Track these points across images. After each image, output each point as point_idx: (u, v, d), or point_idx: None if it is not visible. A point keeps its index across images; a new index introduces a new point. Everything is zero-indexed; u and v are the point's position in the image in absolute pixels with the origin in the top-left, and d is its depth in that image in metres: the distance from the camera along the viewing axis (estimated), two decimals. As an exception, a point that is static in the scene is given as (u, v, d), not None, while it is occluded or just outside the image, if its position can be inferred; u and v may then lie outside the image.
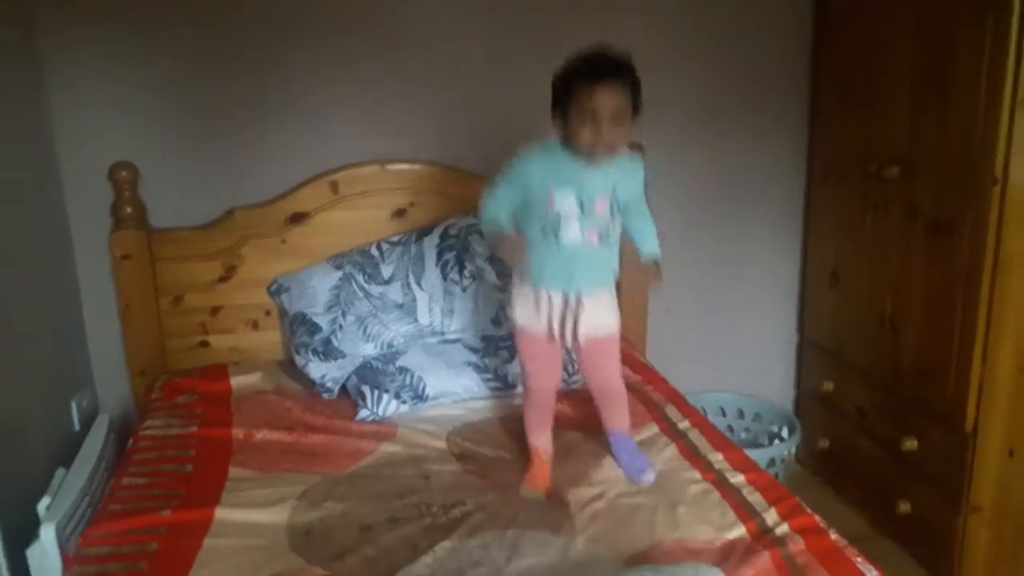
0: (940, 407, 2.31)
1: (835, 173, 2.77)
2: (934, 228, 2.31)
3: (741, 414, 3.02)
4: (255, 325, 2.53)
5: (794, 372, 3.13)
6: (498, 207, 1.74)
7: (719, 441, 2.01)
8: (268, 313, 2.53)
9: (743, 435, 3.00)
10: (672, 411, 2.18)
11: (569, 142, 1.66)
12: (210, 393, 2.26)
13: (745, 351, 3.08)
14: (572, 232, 1.68)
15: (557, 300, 1.75)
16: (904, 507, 2.44)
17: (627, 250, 1.85)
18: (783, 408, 3.03)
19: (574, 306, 1.75)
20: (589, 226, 1.69)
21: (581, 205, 1.67)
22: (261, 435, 2.04)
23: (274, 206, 2.49)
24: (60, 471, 1.92)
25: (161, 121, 2.42)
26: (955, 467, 2.26)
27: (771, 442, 2.89)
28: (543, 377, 1.86)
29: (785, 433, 2.87)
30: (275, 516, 1.68)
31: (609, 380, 1.88)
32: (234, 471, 1.87)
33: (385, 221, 2.56)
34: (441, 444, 2.02)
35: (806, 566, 1.49)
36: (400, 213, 2.57)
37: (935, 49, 2.26)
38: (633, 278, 2.61)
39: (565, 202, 1.67)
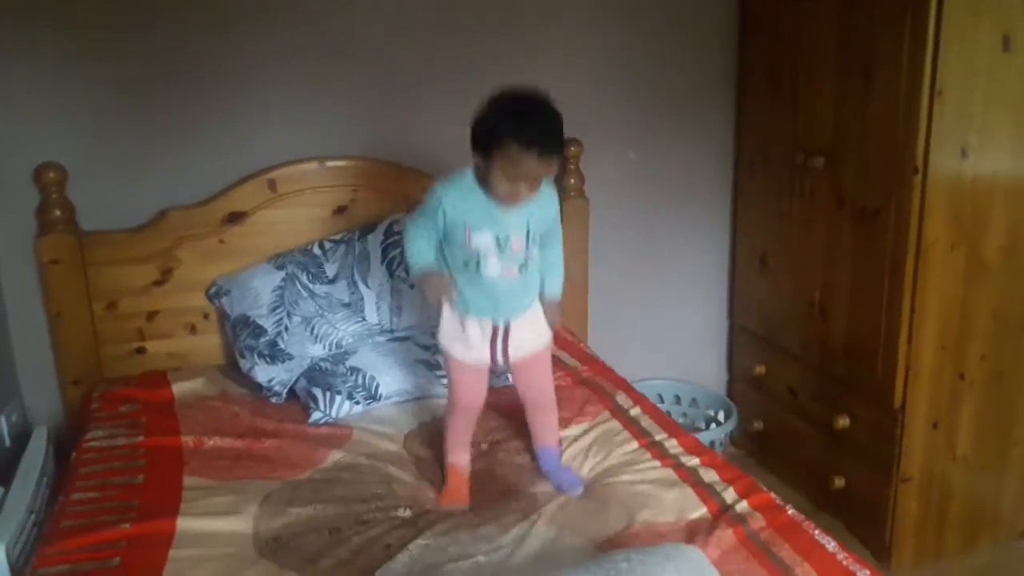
0: (870, 386, 2.43)
1: (762, 163, 2.88)
2: (860, 216, 2.43)
3: (678, 400, 3.11)
4: (193, 329, 2.45)
5: (726, 357, 3.24)
6: (420, 240, 1.73)
7: (670, 426, 2.07)
8: (207, 316, 2.46)
9: (681, 420, 3.08)
10: (622, 398, 2.23)
11: (486, 183, 1.65)
12: (152, 401, 2.19)
13: (679, 338, 3.16)
14: (492, 267, 1.70)
15: (487, 327, 1.76)
16: (839, 482, 2.57)
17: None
18: (718, 392, 3.14)
19: (503, 332, 1.77)
20: (506, 261, 1.70)
21: (498, 243, 1.68)
22: (212, 442, 1.98)
23: (210, 206, 2.42)
24: (-1, 489, 1.83)
25: (88, 122, 2.31)
26: (885, 441, 2.39)
27: (708, 426, 2.99)
28: (470, 397, 1.86)
29: (721, 417, 2.97)
30: (239, 524, 1.64)
31: (542, 393, 1.89)
32: (189, 480, 1.81)
33: (325, 219, 2.52)
34: (398, 448, 2.01)
35: (769, 541, 1.56)
36: (341, 210, 2.54)
37: (857, 42, 2.37)
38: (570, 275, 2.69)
39: (483, 241, 1.68)
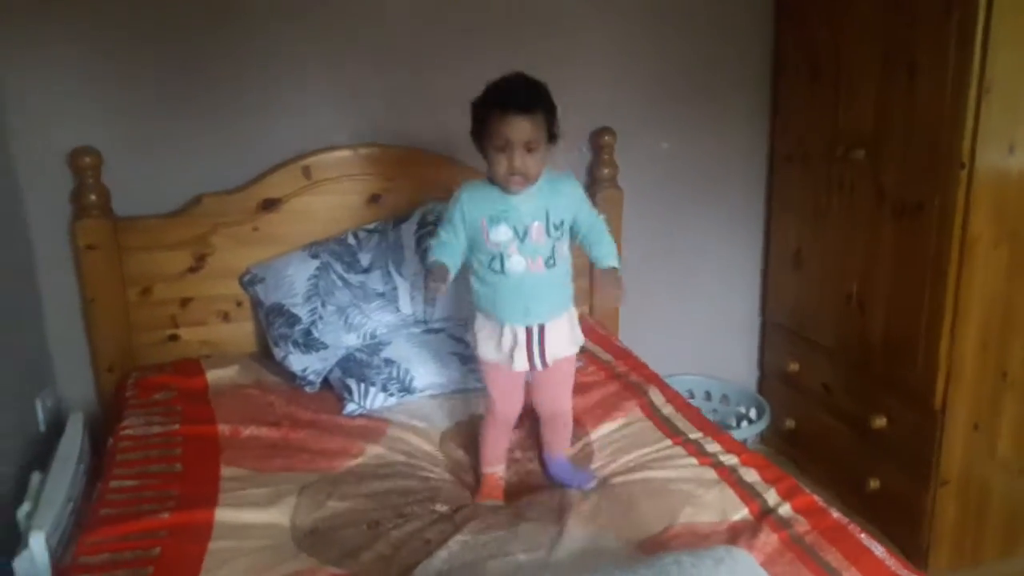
0: (909, 385, 2.39)
1: (799, 156, 2.82)
2: (901, 210, 2.38)
3: (709, 396, 3.08)
4: (226, 317, 2.45)
5: (757, 353, 3.20)
6: (443, 251, 1.71)
7: (705, 425, 2.04)
8: (240, 304, 2.45)
9: (712, 416, 3.04)
10: (655, 394, 2.20)
11: (489, 172, 1.68)
12: (186, 389, 2.18)
13: (710, 333, 3.13)
14: (515, 262, 1.68)
15: (521, 334, 1.74)
16: (874, 483, 2.53)
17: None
18: (749, 389, 3.10)
19: (538, 336, 1.74)
20: (530, 254, 1.69)
21: (517, 234, 1.67)
22: (248, 431, 1.97)
23: (244, 192, 2.41)
24: (36, 475, 1.83)
25: (122, 105, 2.30)
26: (924, 443, 2.35)
27: (739, 423, 2.96)
28: (509, 406, 1.84)
29: (753, 414, 2.94)
30: (277, 516, 1.64)
31: (561, 405, 1.87)
32: (226, 470, 1.80)
33: (360, 207, 2.50)
34: (433, 448, 1.98)
35: (815, 545, 1.53)
36: (375, 199, 2.52)
37: (900, 35, 2.32)
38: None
39: (501, 234, 1.67)
